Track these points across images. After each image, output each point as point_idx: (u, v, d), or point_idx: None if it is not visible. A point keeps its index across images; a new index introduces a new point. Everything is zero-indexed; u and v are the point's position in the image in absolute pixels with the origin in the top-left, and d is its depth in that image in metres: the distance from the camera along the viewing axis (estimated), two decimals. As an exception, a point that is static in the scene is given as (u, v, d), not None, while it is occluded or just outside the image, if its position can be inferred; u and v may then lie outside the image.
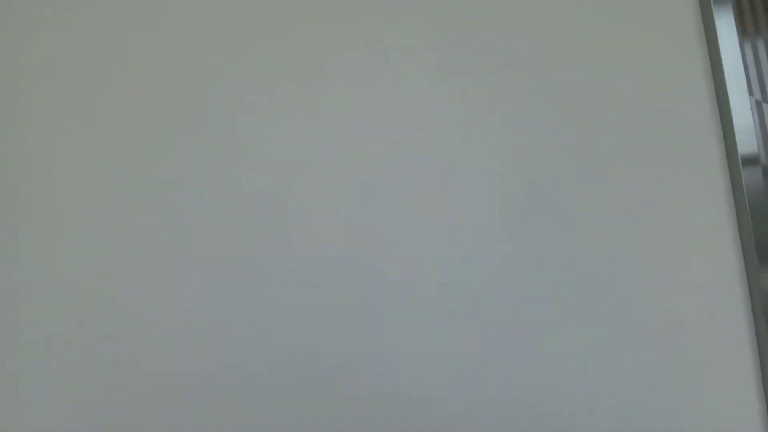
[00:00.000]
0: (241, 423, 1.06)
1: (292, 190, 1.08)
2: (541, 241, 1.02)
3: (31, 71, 1.16)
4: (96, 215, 1.13)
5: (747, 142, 0.98)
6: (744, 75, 1.00)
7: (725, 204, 0.99)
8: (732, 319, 0.97)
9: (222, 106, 1.12)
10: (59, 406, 1.09)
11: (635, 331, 1.00)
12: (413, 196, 1.05)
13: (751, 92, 1.01)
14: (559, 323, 1.01)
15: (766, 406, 0.97)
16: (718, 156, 1.00)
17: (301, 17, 1.12)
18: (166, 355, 1.09)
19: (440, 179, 1.06)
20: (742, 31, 1.03)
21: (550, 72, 1.04)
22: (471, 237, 1.04)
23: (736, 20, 1.03)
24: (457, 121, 1.06)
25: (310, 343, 1.06)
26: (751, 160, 0.98)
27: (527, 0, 1.05)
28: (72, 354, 1.10)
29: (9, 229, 1.14)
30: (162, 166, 1.13)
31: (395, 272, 1.05)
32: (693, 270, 0.99)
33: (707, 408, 0.98)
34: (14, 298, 1.12)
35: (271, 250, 1.08)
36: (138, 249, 1.11)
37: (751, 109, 1.00)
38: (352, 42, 1.09)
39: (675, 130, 1.02)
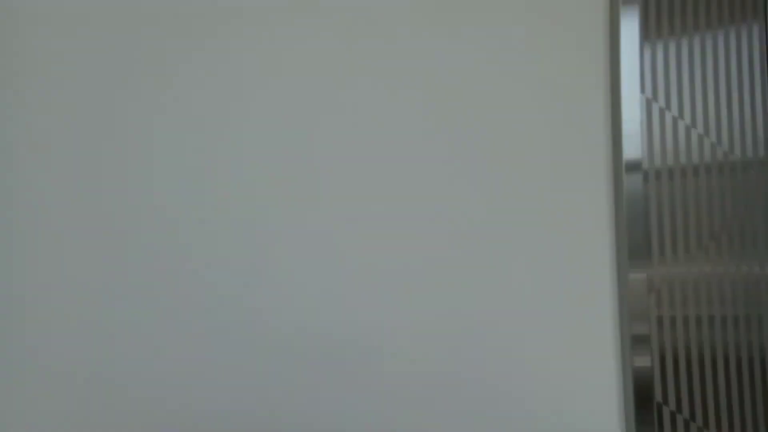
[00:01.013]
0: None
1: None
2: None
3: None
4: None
5: (633, 145, 0.91)
6: (639, 74, 0.93)
7: (605, 208, 0.93)
8: (599, 318, 0.92)
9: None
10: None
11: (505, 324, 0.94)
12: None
13: (642, 89, 0.94)
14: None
15: (623, 402, 0.91)
16: (604, 159, 0.94)
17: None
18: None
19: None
20: (645, 33, 0.97)
21: (438, 65, 1.00)
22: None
23: (641, 22, 0.97)
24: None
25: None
26: (634, 165, 0.91)
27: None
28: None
29: None
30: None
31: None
32: (566, 271, 0.93)
33: (567, 404, 0.92)
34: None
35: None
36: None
37: (641, 106, 0.93)
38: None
39: (564, 128, 0.97)
